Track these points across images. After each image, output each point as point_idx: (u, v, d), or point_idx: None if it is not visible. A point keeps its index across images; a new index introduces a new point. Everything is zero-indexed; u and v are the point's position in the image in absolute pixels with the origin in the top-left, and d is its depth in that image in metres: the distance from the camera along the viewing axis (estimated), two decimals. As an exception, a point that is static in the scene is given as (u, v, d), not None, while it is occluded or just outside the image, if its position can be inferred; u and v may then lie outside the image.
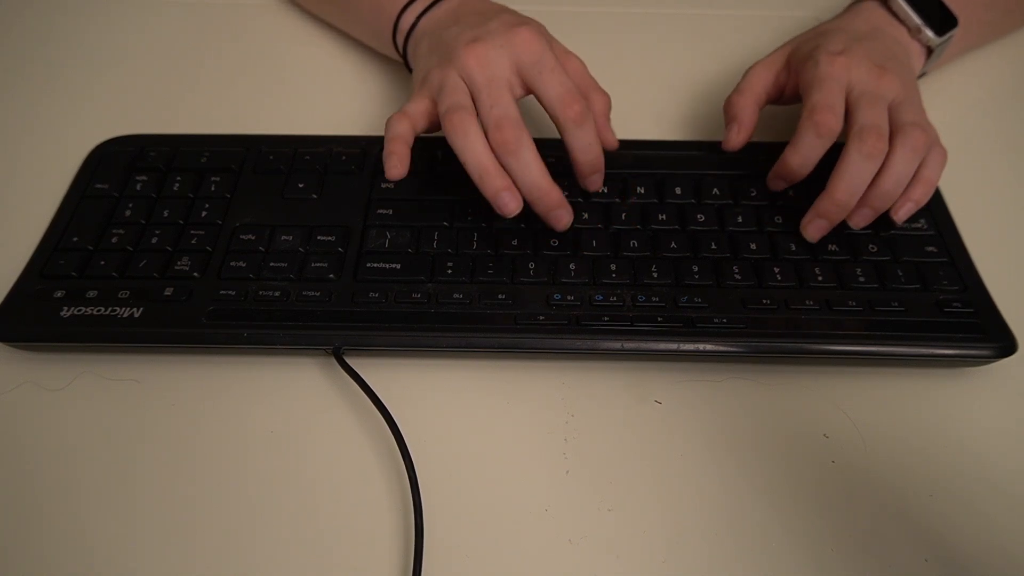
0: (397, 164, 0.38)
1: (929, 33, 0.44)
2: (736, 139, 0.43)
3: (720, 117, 0.45)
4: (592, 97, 0.42)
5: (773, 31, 0.46)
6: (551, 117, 0.39)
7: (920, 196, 0.40)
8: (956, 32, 0.44)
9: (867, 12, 0.44)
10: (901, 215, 0.40)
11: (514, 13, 0.42)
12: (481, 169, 0.37)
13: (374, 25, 0.48)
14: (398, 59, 0.48)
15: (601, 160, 0.40)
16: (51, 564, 0.33)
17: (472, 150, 0.37)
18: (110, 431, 0.36)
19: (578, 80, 0.42)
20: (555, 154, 0.42)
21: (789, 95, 0.43)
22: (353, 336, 0.37)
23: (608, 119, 0.42)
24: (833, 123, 0.39)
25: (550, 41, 0.41)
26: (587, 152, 0.39)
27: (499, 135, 0.37)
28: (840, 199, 0.38)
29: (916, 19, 0.44)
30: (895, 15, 0.44)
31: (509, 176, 0.38)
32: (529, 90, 0.40)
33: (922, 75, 0.47)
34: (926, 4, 0.44)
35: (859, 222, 0.40)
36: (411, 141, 0.39)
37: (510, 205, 0.38)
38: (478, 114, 0.38)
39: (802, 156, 0.40)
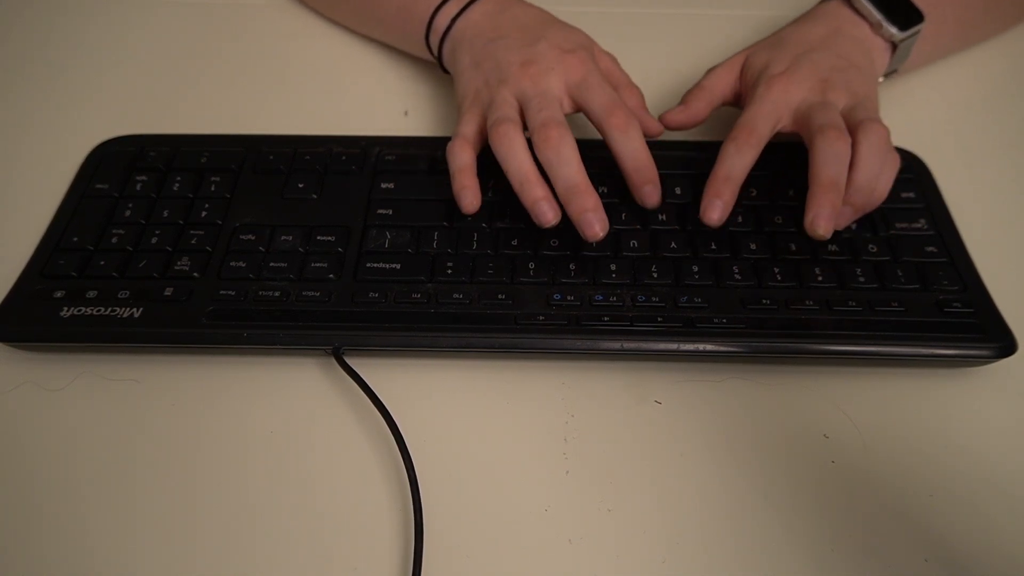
0: (471, 197, 0.40)
1: (892, 29, 0.44)
2: (676, 116, 0.43)
3: (722, 117, 0.45)
4: (624, 92, 0.43)
5: (772, 31, 0.46)
6: (598, 128, 0.40)
7: (869, 205, 0.40)
8: (924, 28, 0.44)
9: (829, 11, 0.45)
10: (840, 223, 0.40)
11: (559, 30, 0.43)
12: (522, 176, 0.38)
13: (402, 28, 0.48)
14: (430, 59, 0.48)
15: (653, 170, 0.40)
16: (51, 564, 0.33)
17: (515, 157, 0.38)
18: (110, 431, 0.36)
19: (610, 75, 0.43)
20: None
21: (743, 104, 0.44)
22: (353, 336, 0.37)
23: (645, 110, 0.43)
24: (750, 137, 0.39)
25: (595, 55, 0.42)
26: (635, 158, 0.39)
27: (543, 132, 0.38)
28: (828, 178, 0.37)
29: (876, 14, 0.44)
30: (856, 11, 0.44)
31: (547, 174, 0.38)
32: (578, 106, 0.41)
33: (892, 72, 0.47)
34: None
35: (841, 222, 0.40)
36: (475, 167, 0.40)
37: (548, 215, 0.38)
38: (526, 127, 0.39)
39: (725, 168, 0.39)
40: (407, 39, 0.49)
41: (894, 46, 0.45)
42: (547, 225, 0.39)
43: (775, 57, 0.43)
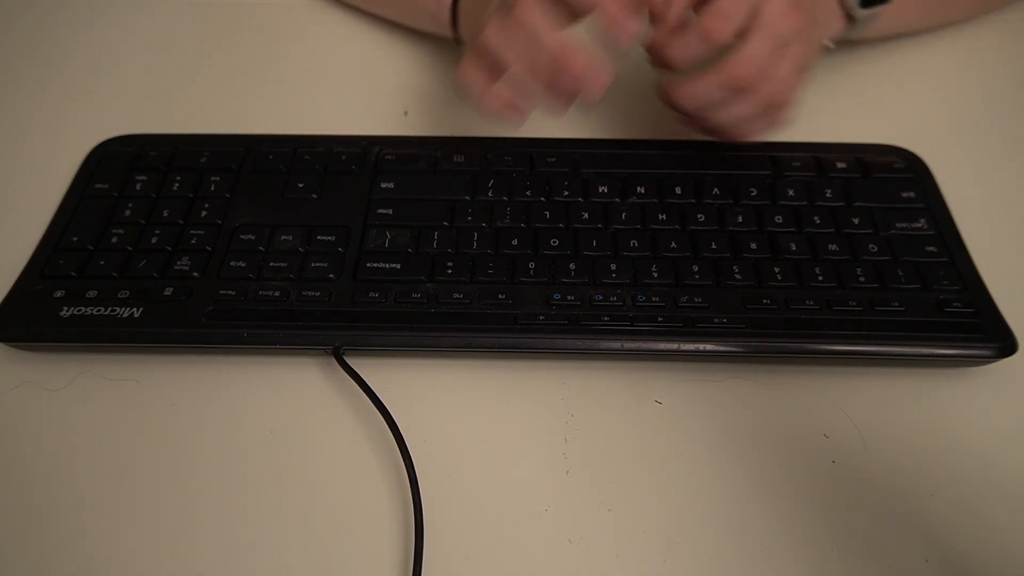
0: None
1: (853, 1, 0.44)
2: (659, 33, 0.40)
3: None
4: None
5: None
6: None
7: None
8: (887, 9, 0.44)
9: None
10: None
11: None
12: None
13: (432, 8, 0.48)
14: (436, 30, 0.48)
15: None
16: (51, 564, 0.33)
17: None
18: (110, 431, 0.36)
19: None
20: (556, 152, 0.43)
21: None
22: (353, 336, 0.37)
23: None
24: (722, 31, 0.36)
25: None
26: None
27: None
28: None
29: None
30: None
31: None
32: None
33: (843, 41, 0.47)
34: None
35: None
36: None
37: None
38: None
39: (682, 51, 0.37)
40: (436, 22, 0.48)
41: (851, 18, 0.44)
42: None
43: None
